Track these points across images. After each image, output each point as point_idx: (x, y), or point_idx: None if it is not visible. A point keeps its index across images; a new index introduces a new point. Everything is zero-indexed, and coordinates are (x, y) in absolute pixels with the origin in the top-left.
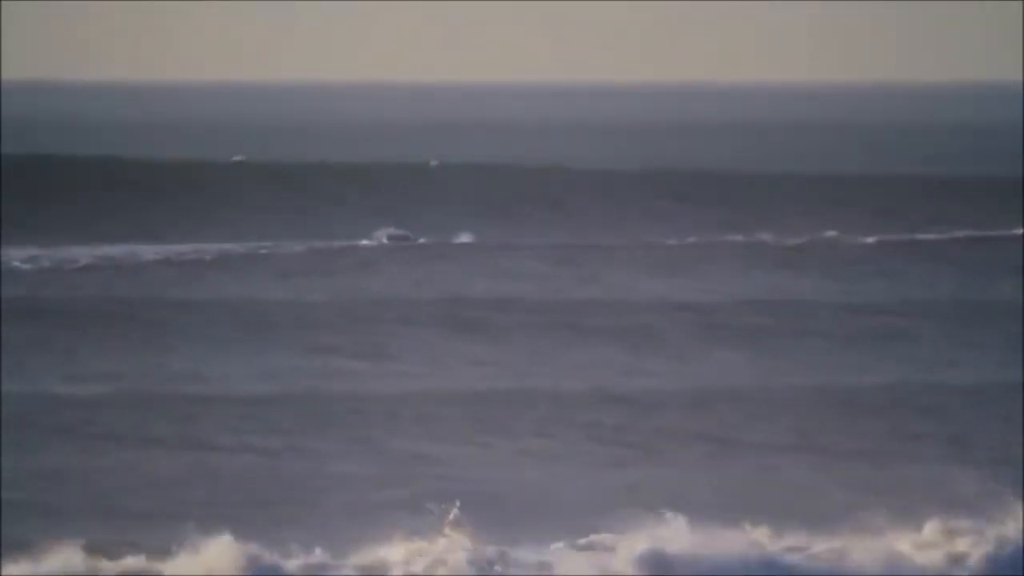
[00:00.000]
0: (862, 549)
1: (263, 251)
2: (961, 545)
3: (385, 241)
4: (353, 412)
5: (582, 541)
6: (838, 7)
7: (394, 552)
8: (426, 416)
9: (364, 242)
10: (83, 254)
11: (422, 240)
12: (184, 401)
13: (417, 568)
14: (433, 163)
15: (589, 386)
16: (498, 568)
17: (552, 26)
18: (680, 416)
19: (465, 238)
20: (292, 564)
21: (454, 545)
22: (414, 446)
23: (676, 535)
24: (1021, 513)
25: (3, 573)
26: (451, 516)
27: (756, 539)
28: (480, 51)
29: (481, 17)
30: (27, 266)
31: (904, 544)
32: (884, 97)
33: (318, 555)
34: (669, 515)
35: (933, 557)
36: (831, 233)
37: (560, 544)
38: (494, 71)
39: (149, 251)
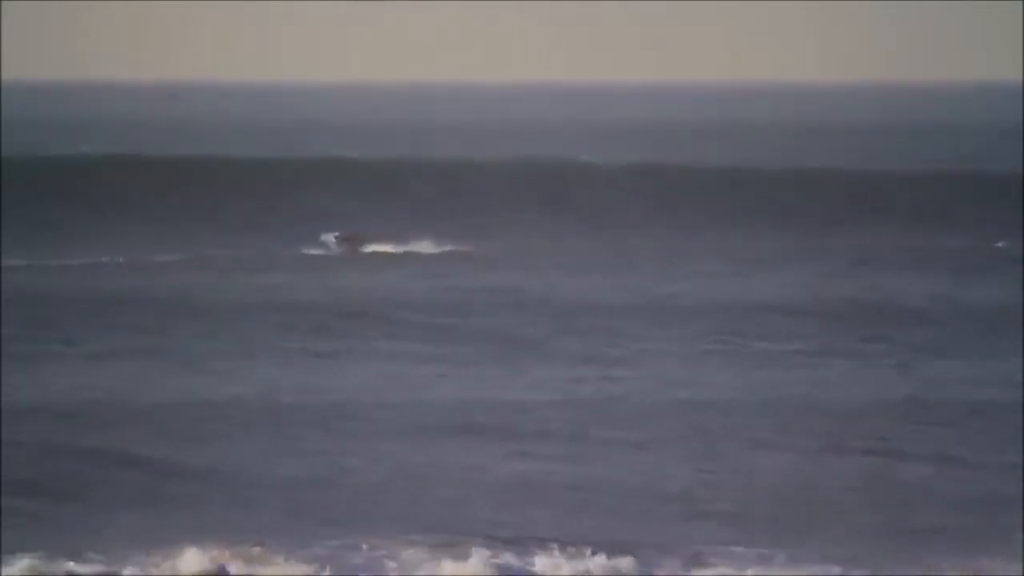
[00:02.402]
0: None
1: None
2: None
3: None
4: None
5: None
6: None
7: None
8: None
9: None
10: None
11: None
12: None
13: None
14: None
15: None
16: None
17: (555, 26)
18: None
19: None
20: None
21: None
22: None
23: None
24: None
25: (3, 573)
26: None
27: None
28: (481, 51)
29: (479, 17)
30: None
31: None
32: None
33: None
34: None
35: None
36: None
37: None
38: (496, 71)
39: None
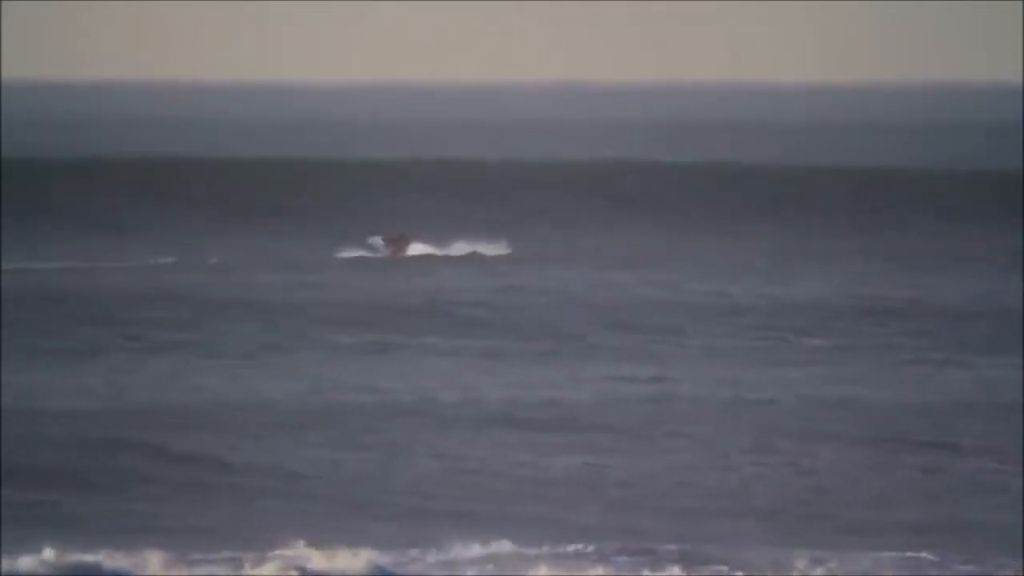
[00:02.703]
0: None
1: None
2: None
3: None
4: None
5: None
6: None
7: None
8: None
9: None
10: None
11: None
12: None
13: None
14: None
15: None
16: None
17: (557, 24)
18: None
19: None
20: None
21: None
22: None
23: None
24: None
25: (3, 573)
26: None
27: None
28: (484, 50)
29: (483, 16)
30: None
31: None
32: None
33: None
34: None
35: None
36: None
37: None
38: (500, 70)
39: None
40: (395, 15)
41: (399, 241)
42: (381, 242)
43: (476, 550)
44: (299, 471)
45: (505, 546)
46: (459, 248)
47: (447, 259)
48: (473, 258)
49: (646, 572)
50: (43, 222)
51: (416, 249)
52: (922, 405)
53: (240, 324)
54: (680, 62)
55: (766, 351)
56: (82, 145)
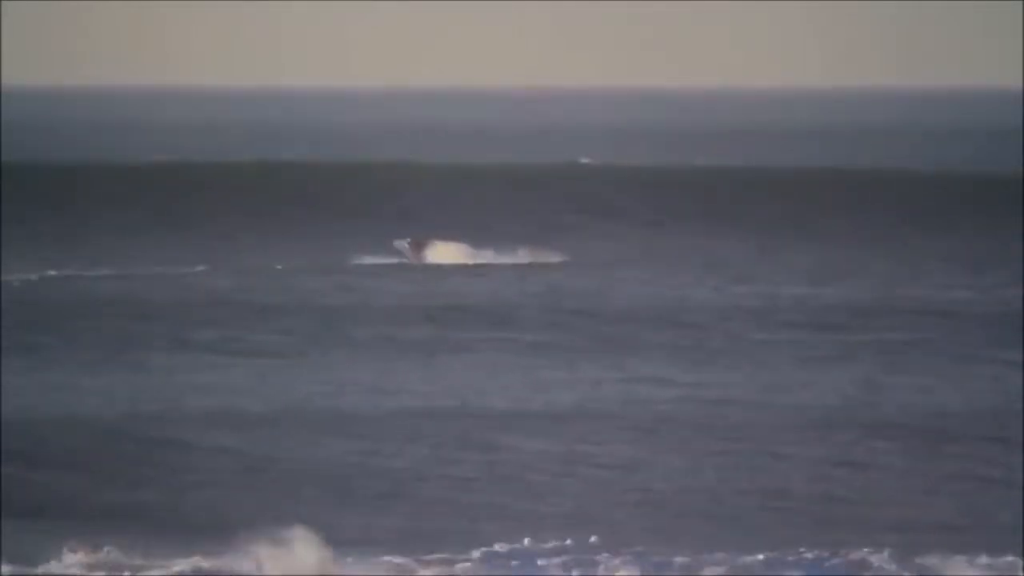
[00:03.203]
0: None
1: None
2: None
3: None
4: None
5: None
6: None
7: None
8: None
9: None
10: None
11: None
12: None
13: None
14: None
15: None
16: None
17: (559, 28)
18: None
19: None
20: None
21: None
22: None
23: None
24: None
25: (3, 573)
26: None
27: None
28: (486, 54)
29: (486, 19)
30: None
31: None
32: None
33: None
34: None
35: None
36: None
37: None
38: (503, 74)
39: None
40: (411, 18)
41: (424, 244)
42: (407, 246)
43: (544, 546)
44: (338, 470)
45: (574, 543)
46: (498, 254)
47: (480, 264)
48: (512, 262)
49: (706, 572)
50: (64, 229)
51: (450, 252)
52: (970, 402)
53: (275, 325)
54: (686, 68)
55: (808, 349)
56: (90, 149)
